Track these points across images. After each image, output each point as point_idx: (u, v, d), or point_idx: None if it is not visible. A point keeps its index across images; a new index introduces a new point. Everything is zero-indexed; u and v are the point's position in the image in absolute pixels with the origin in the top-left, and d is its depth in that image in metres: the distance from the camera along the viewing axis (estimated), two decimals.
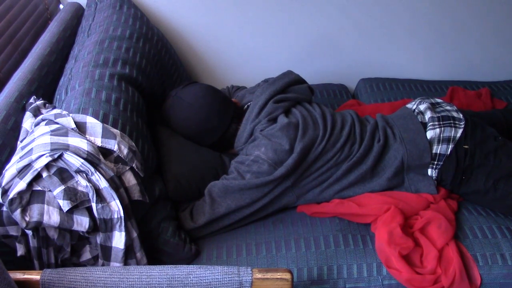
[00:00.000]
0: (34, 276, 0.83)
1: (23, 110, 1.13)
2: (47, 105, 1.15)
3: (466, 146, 1.25)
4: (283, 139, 1.19)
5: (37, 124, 1.04)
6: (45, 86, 1.27)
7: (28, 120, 1.08)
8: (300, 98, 1.32)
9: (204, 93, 1.29)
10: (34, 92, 1.19)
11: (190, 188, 1.24)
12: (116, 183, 0.95)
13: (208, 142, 1.32)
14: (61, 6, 1.81)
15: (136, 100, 1.22)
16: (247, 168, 1.19)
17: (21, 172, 0.89)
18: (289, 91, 1.34)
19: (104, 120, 1.05)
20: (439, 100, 1.40)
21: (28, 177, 0.88)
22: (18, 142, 1.05)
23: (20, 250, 0.93)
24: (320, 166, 1.23)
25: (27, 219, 0.88)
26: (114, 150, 0.99)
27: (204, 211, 1.19)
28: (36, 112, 1.11)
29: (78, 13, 1.66)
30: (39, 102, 1.14)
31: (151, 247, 1.08)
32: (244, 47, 1.94)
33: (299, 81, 1.39)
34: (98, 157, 0.94)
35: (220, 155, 1.33)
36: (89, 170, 0.91)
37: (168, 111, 1.31)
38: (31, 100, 1.14)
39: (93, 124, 1.01)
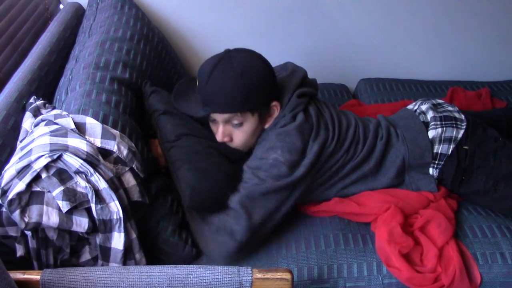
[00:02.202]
0: (34, 276, 0.83)
1: (23, 110, 1.13)
2: (47, 105, 1.15)
3: (465, 147, 1.25)
4: (297, 139, 1.16)
5: (36, 125, 1.04)
6: (45, 86, 1.27)
7: (28, 120, 1.08)
8: (314, 93, 1.31)
9: (253, 66, 1.14)
10: (34, 92, 1.19)
11: (206, 195, 1.15)
12: (116, 184, 0.95)
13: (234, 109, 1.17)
14: (61, 6, 1.81)
15: (134, 106, 1.22)
16: (266, 173, 1.14)
17: (20, 173, 0.89)
18: (304, 84, 1.29)
19: (104, 121, 1.05)
20: (440, 101, 1.40)
21: (27, 178, 0.88)
22: (18, 142, 1.05)
23: (20, 251, 0.93)
24: (330, 167, 1.22)
25: (26, 219, 0.88)
26: (114, 151, 0.99)
27: (242, 225, 1.10)
28: (36, 112, 1.11)
29: (78, 13, 1.66)
30: (39, 102, 1.14)
31: (150, 246, 1.08)
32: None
33: (307, 75, 1.35)
34: (97, 158, 0.94)
35: (229, 159, 1.24)
36: (89, 171, 0.91)
37: (212, 67, 1.14)
38: (31, 100, 1.14)
39: (93, 125, 1.01)
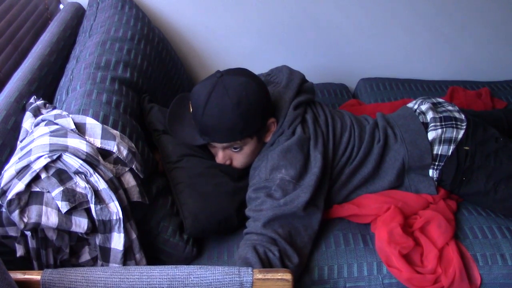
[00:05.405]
0: (34, 276, 0.83)
1: (23, 110, 1.13)
2: (47, 105, 1.15)
3: (466, 148, 1.25)
4: (298, 153, 1.15)
5: (37, 125, 1.04)
6: (45, 86, 1.27)
7: (28, 120, 1.08)
8: (311, 98, 1.30)
9: (248, 92, 1.12)
10: (34, 92, 1.19)
11: (208, 222, 1.14)
12: (115, 184, 0.94)
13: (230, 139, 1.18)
14: (61, 6, 1.81)
15: (135, 106, 1.22)
16: (277, 192, 1.11)
17: (20, 173, 0.89)
18: (301, 91, 1.29)
19: (104, 121, 1.05)
20: (440, 100, 1.40)
21: (27, 178, 0.88)
22: (18, 142, 1.05)
23: (20, 251, 0.93)
24: (331, 173, 1.21)
25: (25, 220, 0.88)
26: (114, 151, 0.99)
27: (301, 245, 1.09)
28: (36, 112, 1.11)
29: (78, 13, 1.66)
30: (39, 102, 1.14)
31: (150, 246, 1.08)
32: (244, 47, 1.94)
33: (304, 79, 1.35)
34: (97, 158, 0.94)
35: (231, 177, 1.23)
36: (88, 171, 0.91)
37: (207, 96, 1.11)
38: (31, 100, 1.14)
39: (93, 125, 1.01)
